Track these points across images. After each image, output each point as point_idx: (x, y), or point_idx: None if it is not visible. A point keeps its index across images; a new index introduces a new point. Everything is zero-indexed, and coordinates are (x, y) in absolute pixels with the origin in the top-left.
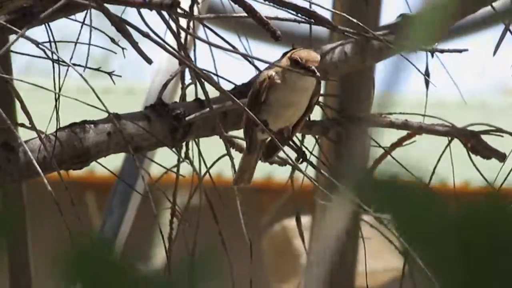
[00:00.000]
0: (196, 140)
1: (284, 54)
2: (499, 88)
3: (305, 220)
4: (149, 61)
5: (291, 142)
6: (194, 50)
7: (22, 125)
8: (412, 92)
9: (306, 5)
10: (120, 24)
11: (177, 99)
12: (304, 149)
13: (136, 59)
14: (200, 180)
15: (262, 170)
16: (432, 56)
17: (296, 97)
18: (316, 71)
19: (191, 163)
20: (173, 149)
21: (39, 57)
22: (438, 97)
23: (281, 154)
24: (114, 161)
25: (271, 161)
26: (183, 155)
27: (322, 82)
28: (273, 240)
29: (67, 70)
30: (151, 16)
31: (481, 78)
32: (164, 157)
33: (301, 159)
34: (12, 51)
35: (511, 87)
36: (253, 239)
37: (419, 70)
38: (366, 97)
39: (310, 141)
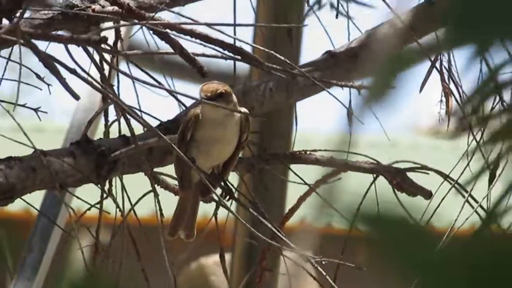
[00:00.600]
0: (120, 176)
1: None
2: (409, 126)
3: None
4: (76, 97)
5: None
6: (118, 87)
7: None
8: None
9: (231, 41)
10: (47, 60)
11: (97, 135)
12: (229, 185)
13: (48, 98)
14: (124, 218)
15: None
16: (359, 93)
17: (218, 132)
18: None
19: (114, 200)
20: (98, 185)
21: None
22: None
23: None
24: (29, 198)
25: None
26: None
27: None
28: (190, 278)
29: None
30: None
31: (391, 115)
32: (86, 193)
33: (228, 196)
34: None
35: (422, 125)
36: (170, 277)
37: (344, 106)
38: (286, 134)
39: (232, 178)
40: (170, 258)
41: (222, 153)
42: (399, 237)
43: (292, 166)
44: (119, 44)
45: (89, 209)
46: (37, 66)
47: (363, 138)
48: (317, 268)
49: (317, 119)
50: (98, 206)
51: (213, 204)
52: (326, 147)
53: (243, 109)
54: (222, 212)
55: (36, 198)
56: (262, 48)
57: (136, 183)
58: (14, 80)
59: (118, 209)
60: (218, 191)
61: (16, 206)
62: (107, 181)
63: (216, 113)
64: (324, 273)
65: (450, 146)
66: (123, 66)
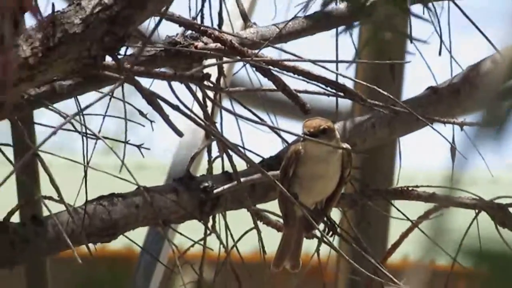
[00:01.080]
0: (223, 212)
1: None
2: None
3: None
4: (180, 134)
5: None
6: (221, 124)
7: (50, 198)
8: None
9: (334, 77)
10: (151, 97)
11: (200, 171)
12: (332, 221)
13: (149, 135)
14: (227, 255)
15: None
16: (461, 129)
17: (321, 168)
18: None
19: (218, 236)
20: (201, 222)
21: (68, 130)
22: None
23: None
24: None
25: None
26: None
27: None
28: None
29: (95, 143)
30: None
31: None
32: (189, 230)
33: (331, 232)
34: (36, 123)
35: None
36: None
37: (448, 141)
38: (389, 170)
39: (333, 214)
40: None
41: (325, 189)
42: (505, 272)
43: (395, 202)
44: (221, 81)
45: (192, 245)
46: (139, 103)
47: (465, 175)
48: None
49: (420, 155)
50: (202, 242)
51: (315, 240)
52: (428, 183)
53: (345, 145)
54: (323, 248)
55: (138, 234)
56: (364, 83)
57: (239, 219)
58: (118, 117)
59: (221, 246)
60: (321, 227)
61: (118, 243)
62: (210, 218)
63: (319, 149)
64: None
65: None
66: (226, 103)
